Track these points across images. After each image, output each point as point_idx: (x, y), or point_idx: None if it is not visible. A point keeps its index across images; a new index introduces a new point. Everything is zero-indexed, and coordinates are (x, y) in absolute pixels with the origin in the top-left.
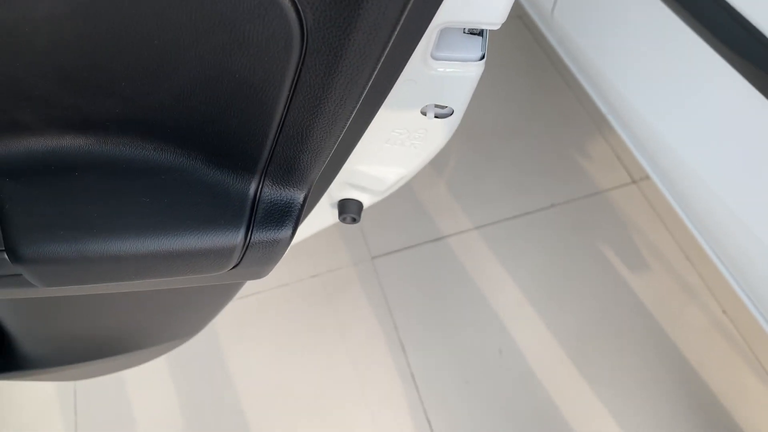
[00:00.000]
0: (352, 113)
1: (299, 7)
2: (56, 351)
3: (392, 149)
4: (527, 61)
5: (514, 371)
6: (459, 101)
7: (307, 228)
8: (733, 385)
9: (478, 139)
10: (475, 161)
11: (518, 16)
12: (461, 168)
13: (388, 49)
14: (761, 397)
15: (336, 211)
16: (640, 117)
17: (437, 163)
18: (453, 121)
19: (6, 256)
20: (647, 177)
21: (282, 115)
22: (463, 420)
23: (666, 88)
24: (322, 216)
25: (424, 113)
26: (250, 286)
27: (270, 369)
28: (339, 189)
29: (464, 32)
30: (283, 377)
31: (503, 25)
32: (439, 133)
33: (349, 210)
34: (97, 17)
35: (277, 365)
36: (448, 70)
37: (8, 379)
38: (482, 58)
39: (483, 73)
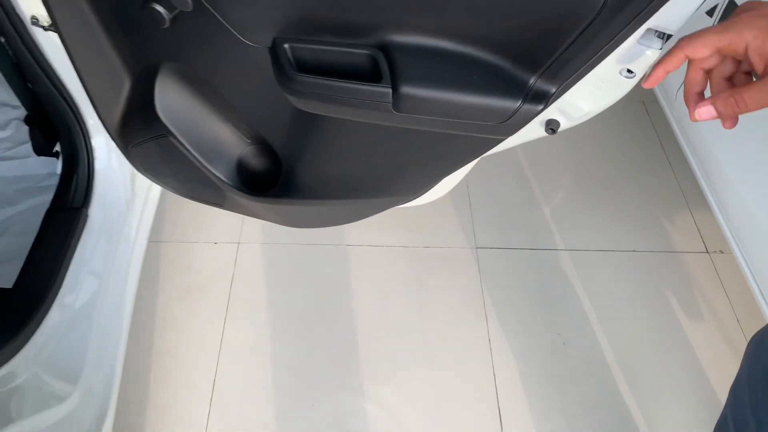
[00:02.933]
0: (606, 50)
1: None
2: (321, 185)
3: (598, 88)
4: (640, 137)
5: (571, 361)
6: (640, 70)
7: (521, 136)
8: None
9: (586, 182)
10: (579, 198)
11: (641, 101)
12: (566, 199)
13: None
14: None
15: (541, 129)
16: (737, 196)
17: (548, 191)
18: (630, 85)
19: (390, 91)
20: (721, 251)
21: (575, 37)
22: (520, 380)
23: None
24: (534, 128)
25: (622, 70)
26: (377, 239)
27: (375, 305)
28: (550, 111)
29: (654, 33)
30: (385, 313)
31: (626, 106)
32: (623, 88)
33: (551, 125)
34: None
35: (382, 302)
36: (648, 49)
37: (278, 204)
38: (660, 48)
39: (600, 136)
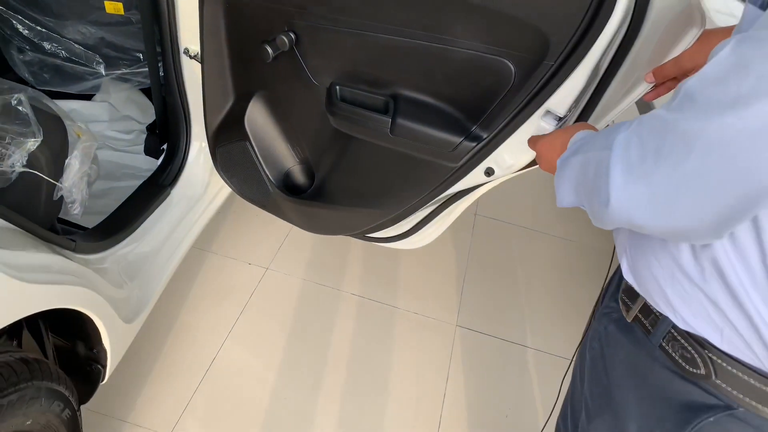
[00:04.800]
0: (518, 115)
1: (513, 69)
2: (336, 194)
3: (516, 148)
4: None
5: (512, 429)
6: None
7: (473, 179)
8: None
9: (570, 302)
10: (558, 311)
11: None
12: (548, 308)
13: (537, 96)
14: None
15: (482, 174)
16: None
17: (533, 298)
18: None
19: (390, 120)
20: None
21: (497, 102)
22: None
23: None
24: (477, 175)
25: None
26: (378, 296)
27: (360, 345)
28: (488, 161)
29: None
30: (365, 352)
31: None
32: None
33: (488, 171)
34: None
35: (366, 345)
36: (547, 125)
37: (305, 206)
38: (555, 126)
39: (596, 274)
